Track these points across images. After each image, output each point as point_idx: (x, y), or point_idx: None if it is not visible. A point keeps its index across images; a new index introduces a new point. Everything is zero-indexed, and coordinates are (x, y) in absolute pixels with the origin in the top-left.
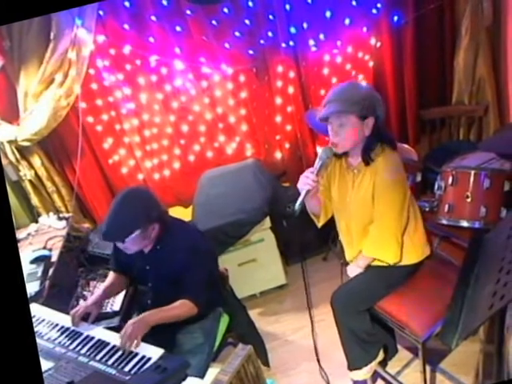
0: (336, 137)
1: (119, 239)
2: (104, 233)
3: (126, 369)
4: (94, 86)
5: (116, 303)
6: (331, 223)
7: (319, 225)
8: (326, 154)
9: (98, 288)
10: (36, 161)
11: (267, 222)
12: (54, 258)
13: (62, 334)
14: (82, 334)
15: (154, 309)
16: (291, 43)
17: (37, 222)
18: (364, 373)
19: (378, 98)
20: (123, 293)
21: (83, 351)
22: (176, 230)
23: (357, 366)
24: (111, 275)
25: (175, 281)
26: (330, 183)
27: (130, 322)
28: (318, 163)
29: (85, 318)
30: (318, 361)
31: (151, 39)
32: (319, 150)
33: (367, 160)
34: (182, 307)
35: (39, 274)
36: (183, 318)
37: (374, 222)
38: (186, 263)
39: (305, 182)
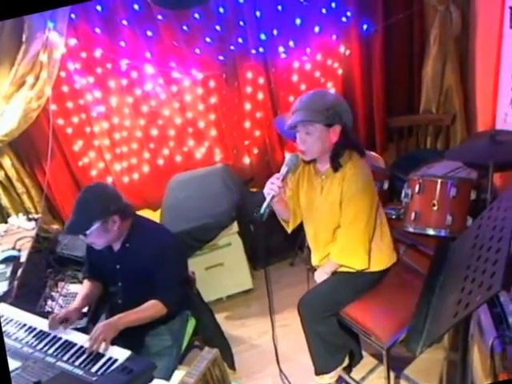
0: (303, 145)
1: (80, 232)
2: (67, 227)
3: (93, 370)
4: (65, 88)
5: None
6: (299, 229)
7: (289, 230)
8: (293, 161)
9: (67, 289)
10: (6, 162)
11: (235, 226)
12: (23, 259)
13: (29, 334)
14: (49, 334)
15: (124, 308)
16: (261, 50)
17: (6, 222)
18: (329, 377)
19: (345, 105)
20: None
21: (51, 351)
22: (144, 228)
23: (324, 371)
24: (86, 284)
25: (145, 280)
26: (298, 189)
27: (100, 324)
28: (284, 169)
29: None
30: (279, 365)
31: (122, 43)
32: (287, 155)
33: (336, 166)
34: (152, 308)
35: (8, 274)
36: (153, 319)
37: (342, 228)
38: (155, 262)
39: (270, 187)
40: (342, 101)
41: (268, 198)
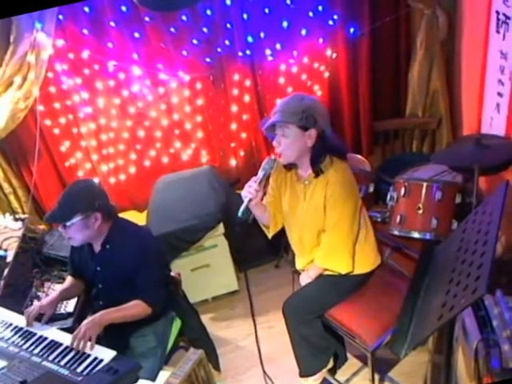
0: (279, 147)
1: (62, 221)
2: (49, 215)
3: (79, 370)
4: (53, 89)
5: (70, 305)
6: (283, 231)
7: (269, 235)
8: (269, 165)
9: (53, 289)
10: None
11: (221, 228)
12: (10, 259)
13: (15, 333)
14: (35, 334)
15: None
16: (248, 52)
17: None
18: (314, 379)
19: (322, 109)
20: None
21: (36, 351)
22: (125, 229)
23: (308, 373)
24: (68, 279)
25: (125, 281)
26: (280, 195)
27: (84, 322)
28: (260, 173)
29: (38, 318)
30: (263, 367)
31: (110, 45)
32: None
33: (317, 171)
34: (135, 308)
35: None
36: (138, 318)
37: (326, 233)
38: (135, 263)
39: (248, 190)
40: (319, 105)
41: (245, 201)
